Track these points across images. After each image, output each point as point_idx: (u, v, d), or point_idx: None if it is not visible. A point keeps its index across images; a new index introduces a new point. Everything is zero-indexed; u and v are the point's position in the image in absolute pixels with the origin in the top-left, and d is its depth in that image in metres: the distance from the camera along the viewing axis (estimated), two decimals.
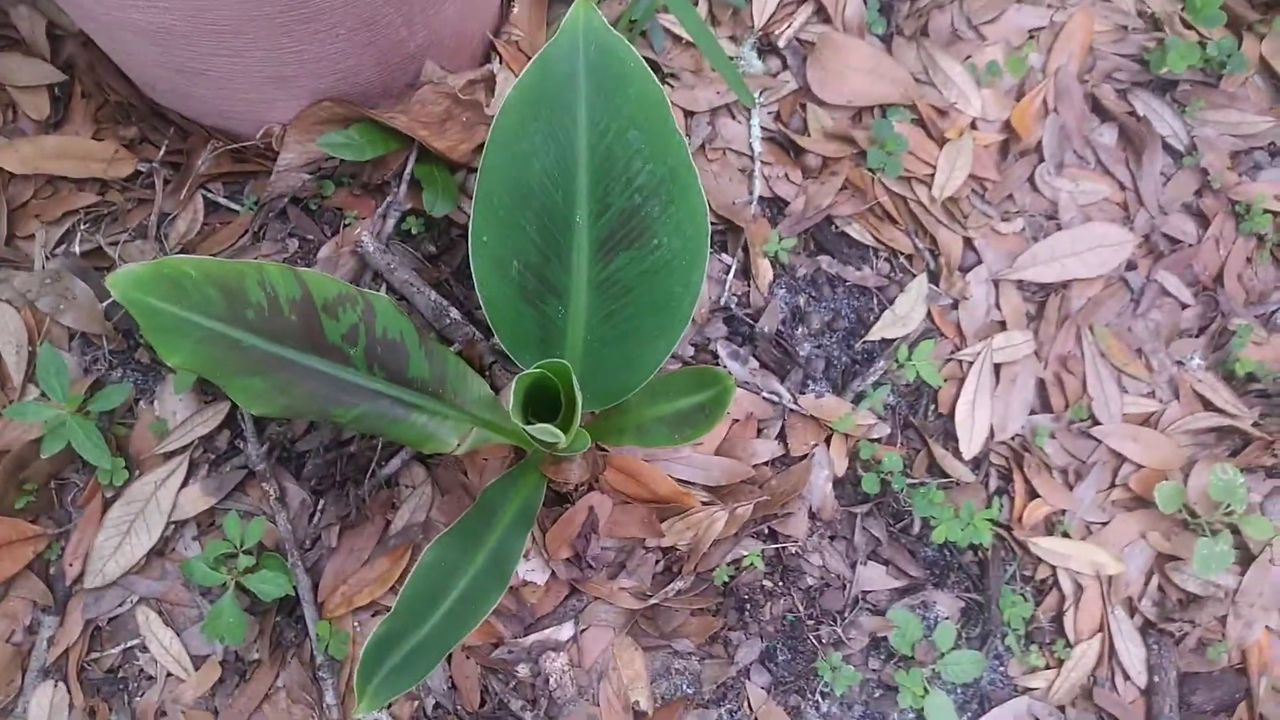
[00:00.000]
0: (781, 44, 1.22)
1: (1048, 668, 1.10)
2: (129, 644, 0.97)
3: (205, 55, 0.93)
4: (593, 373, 0.79)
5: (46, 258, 1.06)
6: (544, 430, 0.56)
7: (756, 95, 1.19)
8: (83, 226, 1.07)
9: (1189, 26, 1.27)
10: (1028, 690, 1.09)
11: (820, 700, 1.04)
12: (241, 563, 0.92)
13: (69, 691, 0.95)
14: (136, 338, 1.03)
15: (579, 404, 0.55)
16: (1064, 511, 1.13)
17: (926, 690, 1.04)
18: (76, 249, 1.06)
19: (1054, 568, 1.12)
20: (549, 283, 0.77)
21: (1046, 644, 1.10)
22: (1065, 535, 1.12)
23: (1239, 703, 1.12)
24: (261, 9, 0.86)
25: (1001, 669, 1.10)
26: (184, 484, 1.00)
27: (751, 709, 1.02)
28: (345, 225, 1.06)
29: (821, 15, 1.24)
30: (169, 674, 0.97)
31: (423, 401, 0.83)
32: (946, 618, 1.08)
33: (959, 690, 1.08)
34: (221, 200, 1.08)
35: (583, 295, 0.77)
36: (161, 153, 1.08)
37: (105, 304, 1.03)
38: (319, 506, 0.99)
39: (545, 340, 0.78)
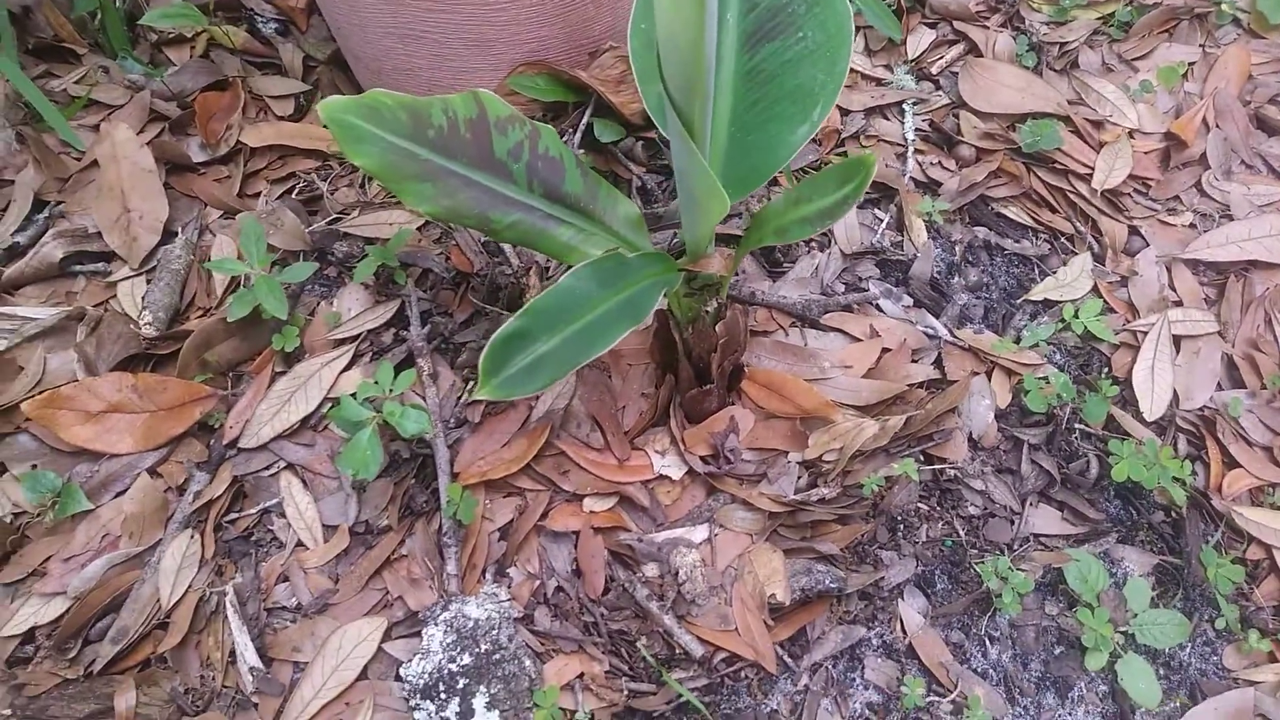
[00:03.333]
0: (934, 71, 1.31)
1: (1273, 660, 0.92)
2: (268, 504, 0.98)
3: (425, 13, 1.10)
4: (736, 157, 0.81)
5: (266, 202, 1.21)
6: None
7: (909, 104, 1.27)
8: (302, 181, 1.22)
9: None
10: (1252, 684, 0.91)
11: (988, 643, 0.90)
12: (388, 405, 0.93)
13: (202, 545, 0.96)
14: (329, 256, 1.13)
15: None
16: (1274, 485, 0.99)
17: (1118, 652, 0.88)
18: (295, 196, 1.21)
19: (1270, 547, 0.96)
20: None
21: (1269, 632, 0.93)
22: (1277, 509, 0.98)
23: None
24: None
25: (1215, 658, 0.92)
26: (347, 368, 1.04)
27: (905, 634, 0.89)
28: None
29: (973, 52, 1.33)
30: (299, 542, 0.96)
31: (572, 218, 0.87)
32: (1139, 574, 0.94)
33: (1159, 667, 0.91)
34: None
35: (729, 84, 0.82)
36: None
37: (307, 229, 1.15)
38: (468, 389, 1.01)
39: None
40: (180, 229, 1.18)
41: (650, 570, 0.92)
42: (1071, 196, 1.19)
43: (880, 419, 0.96)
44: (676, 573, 0.90)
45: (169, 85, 1.30)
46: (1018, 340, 1.05)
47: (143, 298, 1.11)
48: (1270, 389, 1.04)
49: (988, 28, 1.35)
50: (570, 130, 1.16)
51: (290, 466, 1.00)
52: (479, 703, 0.83)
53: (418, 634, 0.89)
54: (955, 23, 1.36)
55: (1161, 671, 0.91)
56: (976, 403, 1.00)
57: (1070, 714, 0.88)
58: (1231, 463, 1.01)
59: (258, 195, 1.23)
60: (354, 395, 0.93)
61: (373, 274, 1.07)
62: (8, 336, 1.07)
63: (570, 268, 0.80)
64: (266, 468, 1.00)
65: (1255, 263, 1.13)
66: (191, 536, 0.96)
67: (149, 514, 0.97)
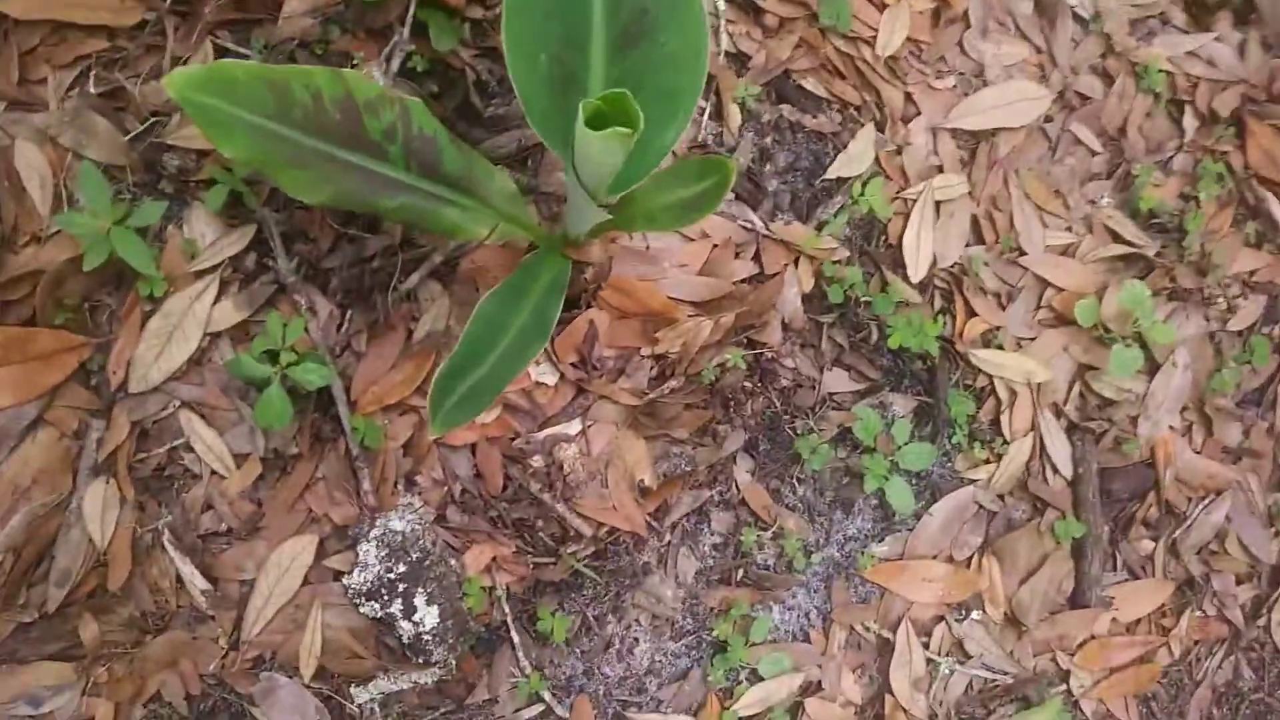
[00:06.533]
0: None
1: (988, 462, 1.26)
2: (174, 444, 1.05)
3: None
4: None
5: (61, 99, 1.12)
6: (615, 132, 0.67)
7: None
8: (95, 70, 1.13)
9: None
10: (972, 481, 1.25)
11: (796, 484, 1.18)
12: (285, 358, 1.00)
13: (119, 488, 1.03)
14: (159, 169, 1.10)
15: (639, 115, 0.67)
16: (998, 328, 1.29)
17: (888, 475, 1.19)
18: (92, 90, 1.12)
19: (991, 376, 1.28)
20: (571, 74, 0.88)
21: (987, 441, 1.26)
22: (999, 348, 1.29)
23: (1149, 491, 1.30)
24: None
25: (950, 464, 1.26)
26: (216, 300, 1.07)
27: (739, 489, 1.15)
28: (354, 65, 1.14)
29: None
30: (213, 472, 1.05)
31: (454, 196, 0.93)
32: (902, 415, 1.23)
33: (914, 480, 1.23)
34: (230, 46, 1.15)
35: (600, 87, 0.88)
36: (168, 1, 1.15)
37: (128, 137, 1.10)
38: (346, 317, 1.09)
39: (568, 125, 0.89)
40: None
41: (536, 462, 1.10)
42: (859, 64, 1.33)
43: (713, 316, 1.15)
44: (561, 465, 1.10)
45: None
46: (819, 228, 1.24)
47: None
48: (1002, 245, 1.31)
49: None
50: (397, 24, 1.13)
51: (186, 404, 1.06)
52: (419, 601, 1.02)
53: (351, 547, 1.05)
54: None
55: (914, 481, 1.23)
56: (787, 290, 1.20)
57: (852, 523, 1.20)
58: (971, 311, 1.29)
59: (43, 82, 1.13)
60: (250, 355, 1.00)
61: (224, 200, 1.07)
62: None
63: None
64: (163, 409, 1.05)
65: (1001, 128, 1.35)
66: (107, 482, 1.03)
67: (55, 464, 1.03)
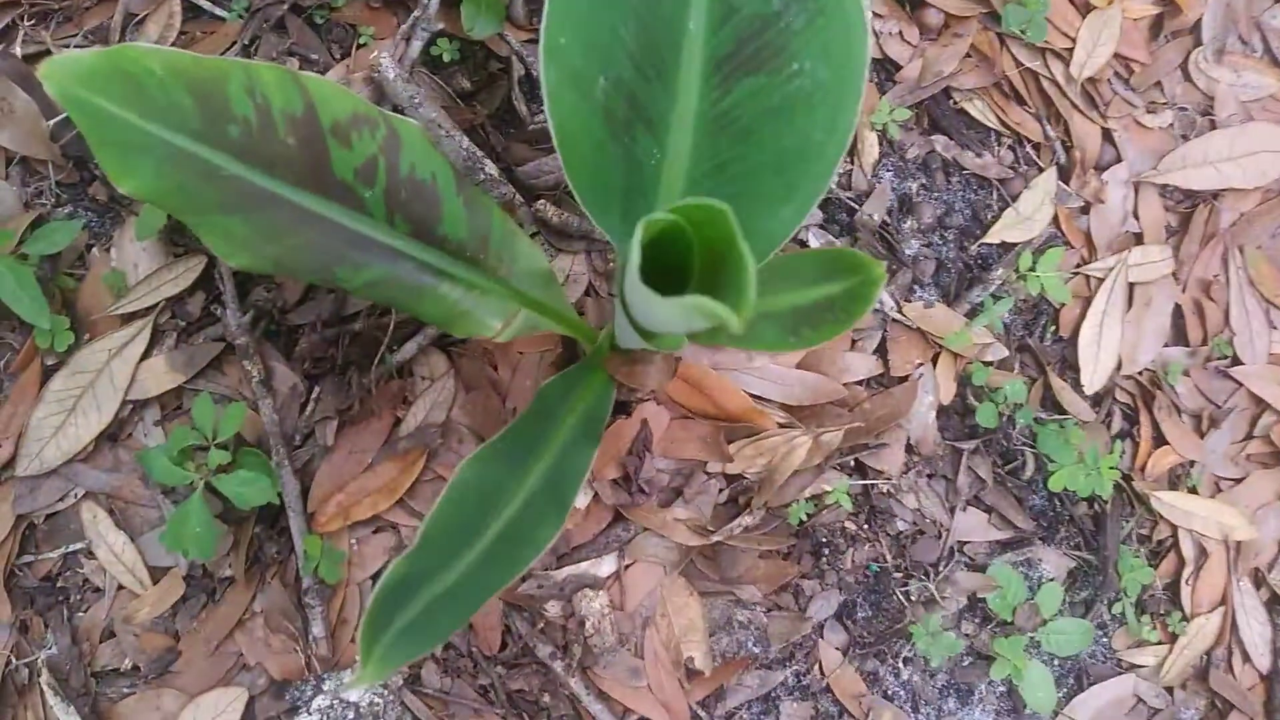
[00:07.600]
0: None
1: (1159, 643, 0.94)
2: (71, 547, 0.79)
3: None
4: None
5: None
6: (703, 306, 0.36)
7: None
8: (26, 23, 0.85)
9: None
10: (1134, 667, 0.93)
11: (901, 666, 0.87)
12: (213, 458, 0.73)
13: None
14: (92, 167, 0.82)
15: (751, 271, 0.37)
16: (1192, 463, 0.96)
17: (1025, 660, 0.87)
18: (17, 50, 0.84)
19: (1175, 527, 0.95)
20: (644, 110, 0.57)
21: (1160, 615, 0.94)
22: (1192, 491, 0.95)
23: None
24: None
25: (1104, 639, 0.94)
26: (145, 355, 0.80)
27: (823, 673, 0.85)
28: (359, 45, 0.84)
29: None
30: (120, 587, 0.79)
31: (457, 269, 0.63)
32: (1052, 578, 0.91)
33: (1056, 663, 0.92)
34: (203, 4, 0.86)
35: (687, 133, 0.57)
36: None
37: (53, 122, 0.82)
38: (313, 395, 0.80)
39: (631, 190, 0.58)
40: None
41: (551, 611, 0.81)
42: (1046, 85, 0.98)
43: (813, 429, 0.84)
44: (583, 621, 0.81)
45: None
46: (971, 315, 0.91)
47: None
48: (1211, 349, 0.97)
49: None
50: None
51: (92, 495, 0.79)
52: None
53: (290, 714, 0.77)
54: None
55: (1057, 663, 0.92)
56: (919, 401, 0.88)
57: (968, 715, 0.90)
58: (1160, 438, 0.95)
59: None
60: (165, 450, 0.72)
61: (162, 223, 0.79)
62: None
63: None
64: (60, 499, 0.79)
65: (1228, 189, 0.99)
66: None
67: None
